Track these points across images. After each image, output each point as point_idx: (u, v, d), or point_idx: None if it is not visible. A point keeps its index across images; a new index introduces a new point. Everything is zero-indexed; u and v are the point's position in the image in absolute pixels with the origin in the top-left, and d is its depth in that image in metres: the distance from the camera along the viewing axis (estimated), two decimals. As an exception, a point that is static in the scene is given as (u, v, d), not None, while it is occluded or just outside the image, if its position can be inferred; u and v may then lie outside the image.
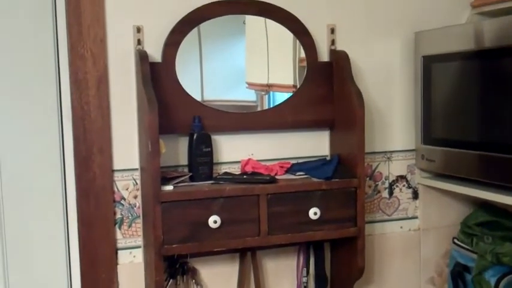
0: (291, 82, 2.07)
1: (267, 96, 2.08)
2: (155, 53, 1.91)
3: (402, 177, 2.23)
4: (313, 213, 1.88)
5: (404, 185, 2.24)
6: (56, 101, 1.90)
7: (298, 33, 2.02)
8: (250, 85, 2.07)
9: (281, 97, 2.05)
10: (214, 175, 1.93)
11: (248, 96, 2.07)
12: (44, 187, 1.91)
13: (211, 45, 2.00)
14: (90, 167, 1.87)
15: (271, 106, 2.04)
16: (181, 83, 1.91)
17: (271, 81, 2.09)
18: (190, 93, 1.92)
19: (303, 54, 2.04)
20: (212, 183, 1.88)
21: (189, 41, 1.93)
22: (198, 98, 1.95)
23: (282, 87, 2.09)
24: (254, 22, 2.02)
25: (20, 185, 1.89)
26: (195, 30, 1.94)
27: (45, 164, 1.91)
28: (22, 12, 1.86)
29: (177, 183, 1.84)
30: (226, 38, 2.04)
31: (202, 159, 1.90)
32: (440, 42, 2.04)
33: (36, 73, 1.88)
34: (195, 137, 1.90)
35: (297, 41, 2.03)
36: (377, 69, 2.15)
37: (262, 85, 2.09)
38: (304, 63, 2.04)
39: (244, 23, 2.02)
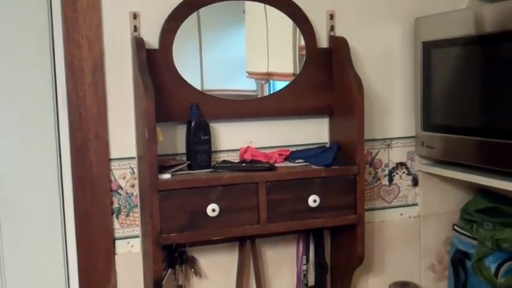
0: (290, 70, 2.04)
1: (267, 85, 2.05)
2: (152, 39, 1.88)
3: (402, 164, 2.21)
4: (313, 200, 1.87)
5: (404, 172, 2.22)
6: (51, 88, 1.87)
7: (297, 19, 2.00)
8: (251, 74, 2.05)
9: (281, 86, 2.02)
10: (212, 163, 1.91)
11: (248, 85, 2.05)
12: (39, 176, 1.89)
13: (210, 34, 1.98)
14: (86, 156, 1.85)
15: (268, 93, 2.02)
16: (179, 70, 1.89)
17: (270, 70, 2.06)
18: (188, 81, 1.90)
19: (303, 43, 2.01)
20: (210, 171, 1.86)
21: (188, 28, 1.90)
22: (197, 86, 1.93)
23: (281, 76, 2.06)
24: (254, 10, 1.99)
25: (15, 174, 1.87)
26: (194, 18, 1.91)
27: (41, 153, 1.88)
28: (16, 7, 1.83)
29: (174, 171, 1.81)
30: (226, 26, 2.01)
31: (200, 147, 1.88)
32: (440, 27, 2.02)
33: (31, 60, 1.85)
34: (193, 124, 1.88)
35: (297, 29, 2.00)
36: (377, 56, 2.13)
37: (262, 74, 2.06)
38: (304, 51, 2.02)
39: (244, 11, 1.99)
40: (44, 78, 1.86)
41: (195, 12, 1.91)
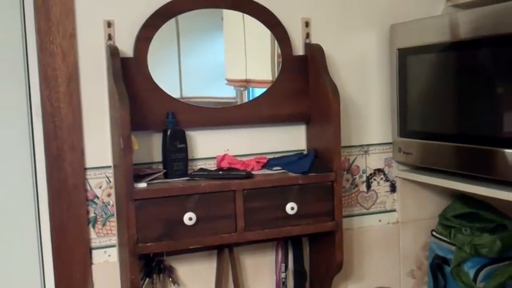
0: (269, 77, 2.04)
1: (246, 92, 2.05)
2: (127, 48, 1.87)
3: (380, 171, 2.22)
4: (290, 208, 1.86)
5: (382, 178, 2.23)
6: (25, 98, 1.85)
7: (272, 26, 2.00)
8: (230, 81, 2.05)
9: (260, 93, 2.02)
10: (189, 171, 1.90)
11: (228, 92, 2.04)
12: (14, 186, 1.87)
13: (189, 41, 1.98)
14: (62, 166, 1.83)
15: (247, 101, 2.02)
16: (154, 78, 1.88)
17: (249, 77, 2.06)
18: (164, 89, 1.89)
19: None
20: (187, 180, 1.85)
21: (165, 36, 1.90)
22: (175, 94, 1.92)
23: (259, 83, 2.06)
24: (232, 17, 1.99)
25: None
26: (172, 25, 1.91)
27: (15, 163, 1.86)
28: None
29: (150, 180, 1.80)
30: (204, 33, 2.01)
31: (176, 155, 1.87)
32: (416, 34, 2.03)
33: (4, 70, 1.84)
34: (168, 133, 1.87)
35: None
36: (353, 63, 2.14)
37: (240, 81, 2.06)
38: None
39: (222, 18, 2.00)
40: (17, 88, 1.85)
41: (173, 20, 1.91)
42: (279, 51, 2.02)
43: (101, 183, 1.89)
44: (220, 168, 1.94)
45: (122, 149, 1.69)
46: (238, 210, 1.82)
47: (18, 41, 1.84)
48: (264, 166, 1.98)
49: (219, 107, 1.97)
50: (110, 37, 1.86)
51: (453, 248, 2.05)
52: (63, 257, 1.87)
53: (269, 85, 2.02)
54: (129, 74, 1.83)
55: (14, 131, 1.86)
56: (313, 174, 1.90)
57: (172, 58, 1.95)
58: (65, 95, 1.83)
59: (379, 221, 2.24)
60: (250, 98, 2.03)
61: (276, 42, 2.02)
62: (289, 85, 2.02)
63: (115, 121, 1.77)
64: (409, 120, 2.09)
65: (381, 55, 2.16)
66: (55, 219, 1.84)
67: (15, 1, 1.83)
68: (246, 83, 2.06)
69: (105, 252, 1.92)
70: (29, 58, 1.84)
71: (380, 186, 2.23)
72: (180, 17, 1.92)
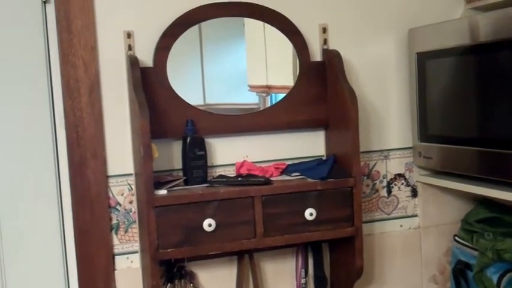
0: (289, 83, 2.05)
1: (268, 97, 2.07)
2: (147, 57, 1.91)
3: (400, 176, 2.21)
4: (309, 213, 1.87)
5: (402, 183, 2.22)
6: (49, 108, 1.90)
7: (290, 33, 2.02)
8: (252, 87, 2.07)
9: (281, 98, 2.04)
10: (209, 178, 1.92)
11: (251, 99, 2.07)
12: (39, 194, 1.92)
13: (211, 48, 2.00)
14: (85, 173, 1.88)
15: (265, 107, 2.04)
16: (173, 87, 1.91)
17: (270, 83, 2.08)
18: (182, 97, 1.92)
19: None
20: (207, 187, 1.88)
21: (185, 44, 1.93)
22: (198, 101, 1.95)
23: (280, 89, 2.08)
24: (253, 24, 2.01)
25: (14, 193, 1.90)
26: (193, 33, 1.94)
27: (40, 171, 1.91)
28: (12, 21, 1.87)
29: (171, 187, 1.84)
30: (226, 40, 2.04)
31: (196, 162, 1.90)
32: (435, 38, 2.03)
33: (28, 81, 1.89)
34: (188, 140, 1.90)
35: None
36: (371, 67, 2.14)
37: (262, 87, 2.08)
38: None
39: (244, 25, 2.02)
40: (41, 99, 1.90)
41: (195, 27, 1.94)
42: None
43: (123, 191, 1.93)
44: (239, 175, 1.96)
45: (142, 157, 1.72)
46: (257, 216, 1.84)
47: (41, 53, 1.89)
48: (282, 172, 2.00)
49: (241, 113, 2.00)
50: (129, 47, 1.90)
51: (476, 253, 2.03)
52: (87, 263, 1.91)
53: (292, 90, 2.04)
54: (149, 83, 1.87)
55: (38, 141, 1.91)
56: (332, 180, 1.91)
57: (192, 66, 1.98)
58: (87, 105, 1.88)
59: (401, 226, 2.23)
60: (273, 104, 2.06)
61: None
62: (307, 91, 2.03)
63: (135, 130, 1.81)
64: (429, 125, 2.08)
65: (400, 59, 2.16)
66: (79, 226, 1.89)
67: (37, 14, 1.88)
68: (268, 89, 2.08)
69: (127, 258, 1.96)
70: (52, 69, 1.89)
71: (401, 191, 2.22)
72: (203, 24, 1.95)
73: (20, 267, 1.92)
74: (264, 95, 2.08)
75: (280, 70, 2.11)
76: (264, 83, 2.09)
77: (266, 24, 2.01)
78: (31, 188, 1.91)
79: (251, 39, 2.06)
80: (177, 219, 1.78)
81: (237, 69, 2.04)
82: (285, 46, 2.03)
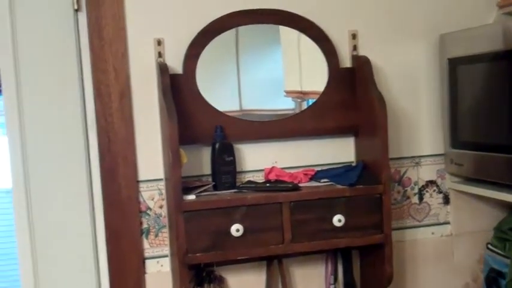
0: (321, 89, 2.05)
1: (304, 103, 2.07)
2: (176, 64, 1.94)
3: (432, 182, 2.19)
4: (338, 220, 1.87)
5: (434, 190, 2.19)
6: (81, 113, 1.95)
7: (319, 40, 2.02)
8: (288, 93, 2.08)
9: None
10: (237, 184, 1.94)
11: (287, 104, 2.08)
12: (71, 198, 1.96)
13: (245, 54, 2.02)
14: (116, 178, 1.91)
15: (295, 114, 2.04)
16: (202, 93, 1.94)
17: (304, 88, 2.09)
18: (211, 103, 1.94)
19: None
20: (235, 192, 1.89)
21: (218, 50, 1.95)
22: (234, 107, 1.97)
23: (314, 94, 2.08)
24: (287, 29, 2.02)
25: (47, 197, 1.95)
26: (227, 39, 1.96)
27: (72, 176, 1.96)
28: (45, 29, 1.92)
29: (199, 192, 1.85)
30: (262, 46, 2.06)
31: (225, 168, 1.91)
32: (467, 43, 2.00)
33: (61, 87, 1.94)
34: (217, 146, 1.91)
35: None
36: (402, 73, 2.12)
37: (297, 92, 2.09)
38: None
39: (279, 31, 2.03)
40: (73, 104, 1.95)
41: (229, 33, 1.96)
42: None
43: (153, 195, 1.96)
44: (267, 181, 1.97)
45: (171, 162, 1.75)
46: (285, 222, 1.84)
47: (73, 59, 1.94)
48: (311, 178, 2.00)
49: (272, 119, 2.00)
50: (160, 55, 1.93)
51: (508, 261, 1.99)
52: (118, 267, 1.94)
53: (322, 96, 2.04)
54: (178, 90, 1.89)
55: (70, 145, 1.95)
56: (361, 186, 1.90)
57: (223, 72, 2.00)
58: (118, 111, 1.91)
59: (432, 233, 2.20)
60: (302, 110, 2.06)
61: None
62: (336, 97, 2.03)
63: (165, 135, 1.84)
64: (460, 131, 2.06)
65: (431, 65, 2.14)
66: (110, 230, 1.92)
67: (69, 21, 1.93)
68: (303, 95, 2.09)
69: (157, 262, 1.98)
70: (83, 75, 1.93)
71: (433, 198, 2.20)
72: (237, 30, 1.97)
73: (52, 270, 1.96)
74: (299, 100, 2.09)
75: (313, 76, 2.11)
76: (299, 89, 2.09)
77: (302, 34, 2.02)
78: (63, 192, 1.96)
79: (286, 45, 2.07)
80: (205, 224, 1.80)
81: (273, 75, 2.05)
82: (316, 52, 2.04)
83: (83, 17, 1.91)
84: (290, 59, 2.08)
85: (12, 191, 1.93)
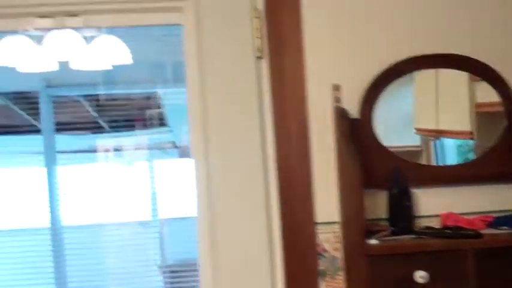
0: (467, 128, 2.02)
1: (433, 142, 2.05)
2: (353, 108, 1.97)
3: None
4: (524, 269, 1.81)
5: None
6: (260, 154, 2.03)
7: (494, 83, 1.99)
8: (419, 131, 2.07)
9: (451, 143, 2.05)
10: (415, 229, 1.92)
11: (412, 141, 2.07)
12: (250, 234, 2.03)
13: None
14: (294, 218, 1.96)
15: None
16: (379, 138, 1.95)
17: (441, 127, 2.07)
18: (389, 147, 1.96)
19: (479, 100, 2.02)
20: (414, 238, 1.87)
21: (394, 95, 1.99)
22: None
23: (455, 134, 2.05)
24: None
25: (229, 238, 2.02)
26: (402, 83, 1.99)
27: (251, 217, 2.03)
28: (228, 75, 2.03)
29: (378, 237, 1.85)
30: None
31: (402, 212, 1.91)
32: None
33: (243, 128, 2.04)
34: (394, 190, 1.92)
35: (474, 86, 2.01)
36: None
37: (431, 131, 2.07)
38: (482, 109, 2.01)
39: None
40: (254, 145, 2.03)
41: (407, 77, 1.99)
42: (478, 101, 2.01)
43: (328, 238, 1.98)
44: (446, 227, 1.94)
45: (356, 206, 1.76)
46: (470, 270, 1.79)
47: (254, 104, 2.03)
48: (489, 225, 1.95)
49: (440, 164, 2.00)
50: (337, 100, 1.97)
51: None
52: (295, 308, 1.97)
53: (467, 136, 2.01)
54: (354, 134, 1.92)
55: (251, 184, 2.03)
56: (548, 234, 1.83)
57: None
58: (297, 153, 1.96)
59: None
60: (437, 148, 2.05)
61: (473, 92, 2.01)
62: (514, 142, 1.99)
63: (345, 179, 1.86)
64: None
65: None
66: (288, 269, 1.96)
67: (251, 68, 2.02)
68: (438, 134, 2.06)
69: (334, 305, 1.99)
70: (265, 118, 2.02)
71: None
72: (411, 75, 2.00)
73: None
74: (431, 138, 2.06)
75: (455, 114, 2.08)
76: (434, 127, 2.07)
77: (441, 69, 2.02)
78: (243, 228, 2.03)
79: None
80: (387, 269, 1.78)
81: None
82: (461, 89, 2.02)
83: (264, 64, 1.99)
84: (425, 96, 2.07)
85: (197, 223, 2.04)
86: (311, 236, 1.96)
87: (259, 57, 2.00)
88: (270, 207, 2.01)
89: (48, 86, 5.65)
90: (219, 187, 2.01)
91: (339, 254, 1.98)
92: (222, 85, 2.01)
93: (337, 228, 1.98)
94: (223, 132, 2.02)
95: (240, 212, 2.02)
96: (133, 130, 5.74)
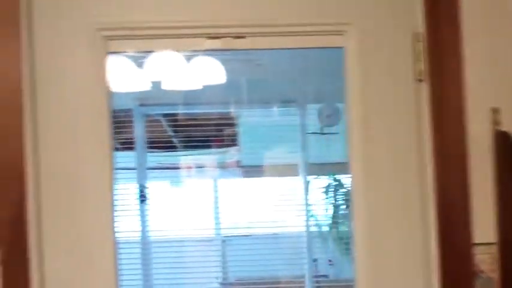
0: None
1: None
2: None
3: None
4: None
5: None
6: (419, 174, 2.09)
7: None
8: None
9: None
10: None
11: None
12: (405, 256, 2.09)
13: None
14: (453, 239, 1.99)
15: None
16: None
17: None
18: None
19: None
20: None
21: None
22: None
23: None
24: None
25: (385, 258, 2.09)
26: None
27: (409, 235, 2.09)
28: (388, 98, 2.11)
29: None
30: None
31: None
32: None
33: (401, 148, 2.11)
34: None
35: None
36: None
37: None
38: None
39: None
40: (412, 166, 2.09)
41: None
42: None
43: (485, 259, 2.01)
44: None
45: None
46: None
47: (412, 126, 2.10)
48: None
49: None
50: (496, 123, 2.01)
51: None
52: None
53: None
54: (512, 156, 1.96)
55: (408, 203, 2.09)
56: None
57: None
58: (456, 174, 2.00)
59: None
60: None
61: None
62: None
63: (504, 202, 1.90)
64: None
65: None
66: (444, 289, 2.00)
67: (411, 91, 2.09)
68: None
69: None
70: (423, 140, 2.08)
71: None
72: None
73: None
74: None
75: None
76: None
77: None
78: (398, 252, 2.09)
79: None
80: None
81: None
82: None
83: (424, 87, 2.05)
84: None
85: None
86: (469, 256, 1.99)
87: (420, 80, 2.06)
88: (428, 227, 2.06)
89: (142, 105, 5.88)
90: (376, 206, 2.08)
91: (496, 276, 2.00)
92: (382, 106, 2.08)
93: (493, 248, 2.01)
94: (381, 151, 2.09)
95: (396, 232, 2.08)
96: (208, 148, 5.92)
